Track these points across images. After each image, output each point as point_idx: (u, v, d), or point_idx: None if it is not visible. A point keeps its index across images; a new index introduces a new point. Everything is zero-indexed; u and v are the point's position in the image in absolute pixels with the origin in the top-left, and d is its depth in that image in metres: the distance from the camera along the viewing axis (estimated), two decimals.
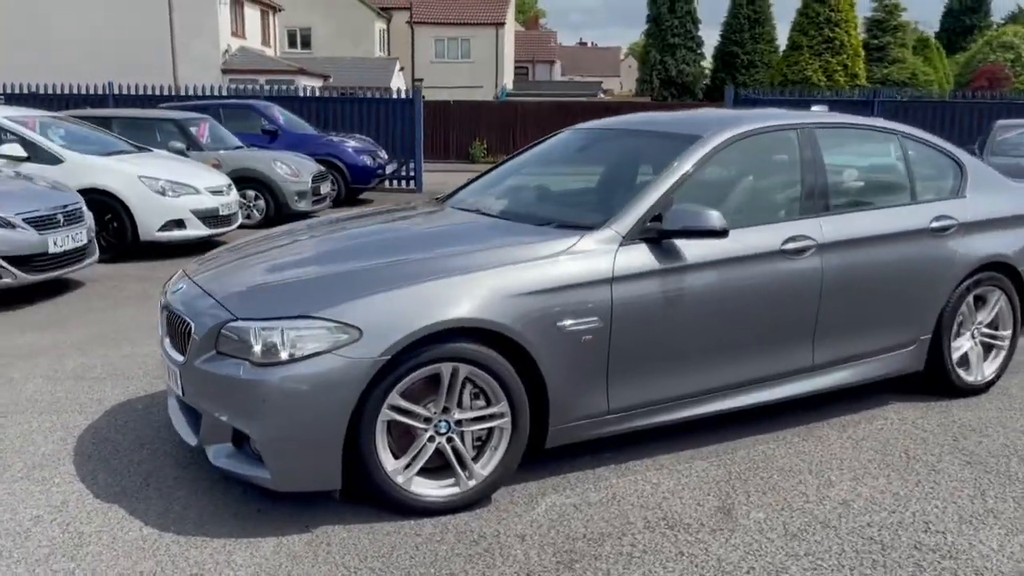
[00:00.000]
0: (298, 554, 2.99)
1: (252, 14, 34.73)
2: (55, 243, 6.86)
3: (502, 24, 44.07)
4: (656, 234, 3.62)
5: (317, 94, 19.99)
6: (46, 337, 5.80)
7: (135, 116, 11.83)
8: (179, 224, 8.97)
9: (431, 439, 3.26)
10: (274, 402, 3.01)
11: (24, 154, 8.69)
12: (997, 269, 4.64)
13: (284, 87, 27.48)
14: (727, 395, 3.92)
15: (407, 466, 3.24)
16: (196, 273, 3.76)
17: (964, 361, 4.69)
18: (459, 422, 3.29)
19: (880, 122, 4.69)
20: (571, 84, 51.68)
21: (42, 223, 6.81)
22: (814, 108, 5.14)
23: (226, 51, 31.60)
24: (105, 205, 8.69)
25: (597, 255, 3.51)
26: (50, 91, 17.76)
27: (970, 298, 4.59)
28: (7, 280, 6.52)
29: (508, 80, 46.49)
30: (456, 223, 4.14)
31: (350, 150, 14.01)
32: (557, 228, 3.71)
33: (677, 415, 3.81)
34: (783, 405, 4.28)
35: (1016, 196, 4.88)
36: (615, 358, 3.54)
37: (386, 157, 15.27)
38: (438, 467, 3.32)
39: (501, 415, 3.32)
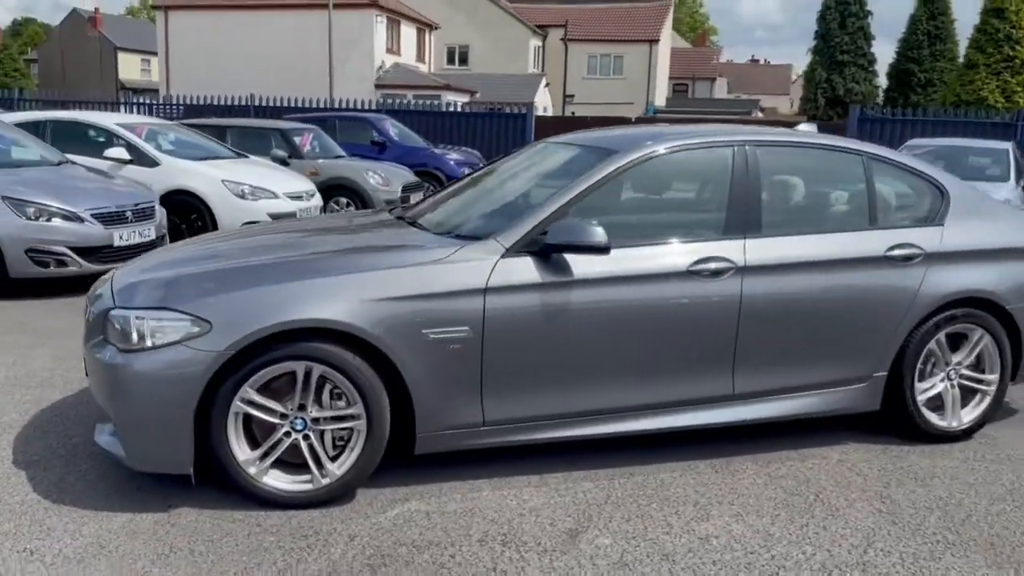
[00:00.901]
0: (140, 530, 3.19)
1: (408, 32, 36.24)
2: (120, 237, 7.51)
3: (656, 41, 43.70)
4: (541, 248, 3.59)
5: (459, 108, 20.68)
6: None
7: (247, 125, 12.71)
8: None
9: (287, 434, 3.38)
10: (129, 387, 3.23)
11: (128, 157, 9.55)
12: (978, 305, 4.23)
13: (431, 102, 28.55)
14: (626, 417, 3.81)
15: (262, 458, 3.37)
16: (125, 264, 4.06)
17: (938, 404, 4.30)
18: (316, 420, 3.39)
19: (846, 142, 4.38)
20: (726, 102, 50.44)
21: (110, 219, 7.48)
22: (801, 127, 4.90)
23: (380, 67, 33.15)
24: (190, 205, 9.40)
25: (472, 265, 3.52)
26: (213, 102, 19.46)
27: (941, 335, 4.20)
28: (73, 268, 7.20)
29: (661, 96, 46.02)
30: (375, 230, 4.24)
31: (451, 162, 14.40)
32: (453, 238, 3.75)
33: (563, 433, 3.74)
34: (733, 433, 4.11)
35: (1014, 226, 4.42)
36: (490, 370, 3.54)
37: None
38: (301, 463, 3.43)
39: (357, 417, 3.39)
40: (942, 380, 4.29)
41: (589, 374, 3.69)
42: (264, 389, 3.34)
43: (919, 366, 4.20)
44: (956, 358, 4.28)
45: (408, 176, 12.69)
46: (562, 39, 44.01)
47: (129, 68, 63.17)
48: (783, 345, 3.95)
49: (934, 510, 3.56)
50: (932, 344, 4.20)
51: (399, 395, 3.46)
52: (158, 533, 3.17)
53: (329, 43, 29.09)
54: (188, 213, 9.40)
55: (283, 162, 11.56)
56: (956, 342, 4.30)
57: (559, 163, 4.27)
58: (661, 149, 3.95)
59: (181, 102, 20.27)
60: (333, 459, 3.43)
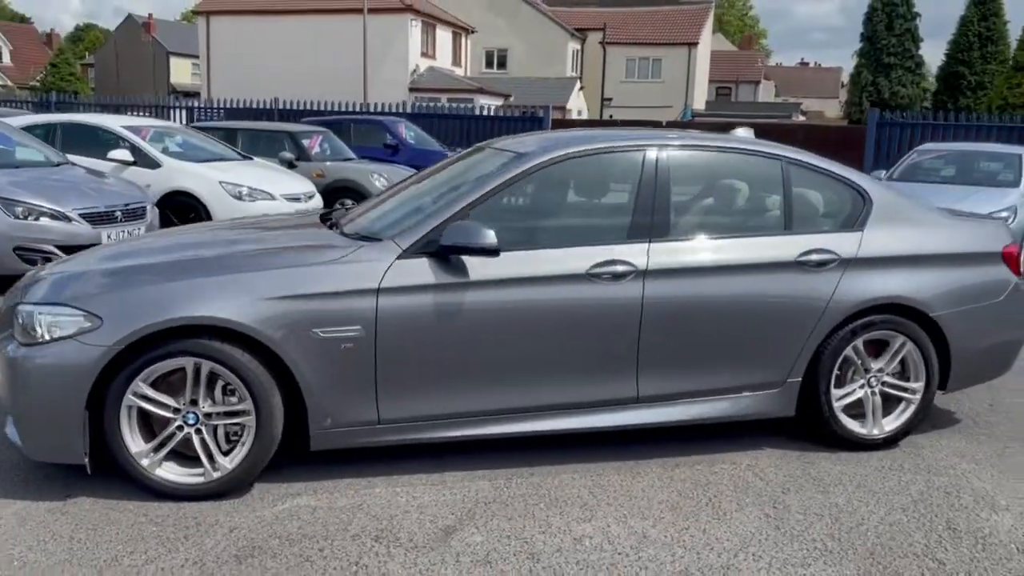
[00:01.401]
0: (30, 517, 3.32)
1: (444, 36, 36.52)
2: (109, 236, 7.74)
3: (695, 44, 43.36)
4: (437, 249, 3.65)
5: (491, 112, 20.84)
6: None
7: (257, 128, 12.98)
8: None
9: (179, 428, 3.49)
10: (25, 379, 3.37)
11: (131, 159, 9.84)
12: (899, 312, 4.17)
13: (464, 105, 28.76)
14: (527, 418, 3.84)
15: (156, 450, 3.48)
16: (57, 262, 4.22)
17: (859, 412, 4.26)
18: (208, 415, 3.50)
19: (765, 147, 4.35)
20: (768, 105, 49.81)
21: (99, 218, 7.71)
22: (737, 131, 4.88)
23: (414, 71, 33.47)
24: (189, 205, 9.64)
25: (366, 265, 3.59)
26: (247, 105, 20.05)
27: (858, 342, 4.16)
28: None
29: (701, 100, 45.64)
30: (294, 232, 4.34)
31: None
32: (358, 240, 3.83)
33: (461, 432, 3.79)
34: (650, 435, 4.13)
35: (942, 233, 4.35)
36: (384, 369, 3.61)
37: None
38: (196, 456, 3.53)
39: (247, 413, 3.49)
40: (862, 387, 4.23)
41: (487, 375, 3.74)
42: (159, 384, 3.45)
43: (835, 372, 4.16)
44: (877, 365, 4.23)
45: None
46: (601, 42, 43.91)
47: (180, 72, 64.70)
48: (688, 349, 3.95)
49: (824, 517, 3.53)
50: (849, 351, 4.15)
51: (295, 392, 3.54)
52: (47, 520, 3.30)
53: (364, 47, 29.51)
54: (187, 213, 9.64)
55: (291, 164, 11.78)
56: (880, 349, 4.25)
57: (479, 166, 4.32)
58: (568, 153, 3.98)
59: (221, 105, 21.05)
60: (226, 453, 3.53)
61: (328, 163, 12.38)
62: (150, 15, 66.18)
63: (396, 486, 3.71)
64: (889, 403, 4.31)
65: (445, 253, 3.63)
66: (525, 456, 4.02)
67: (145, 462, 3.47)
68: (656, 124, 27.28)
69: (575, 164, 4.00)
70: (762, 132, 26.27)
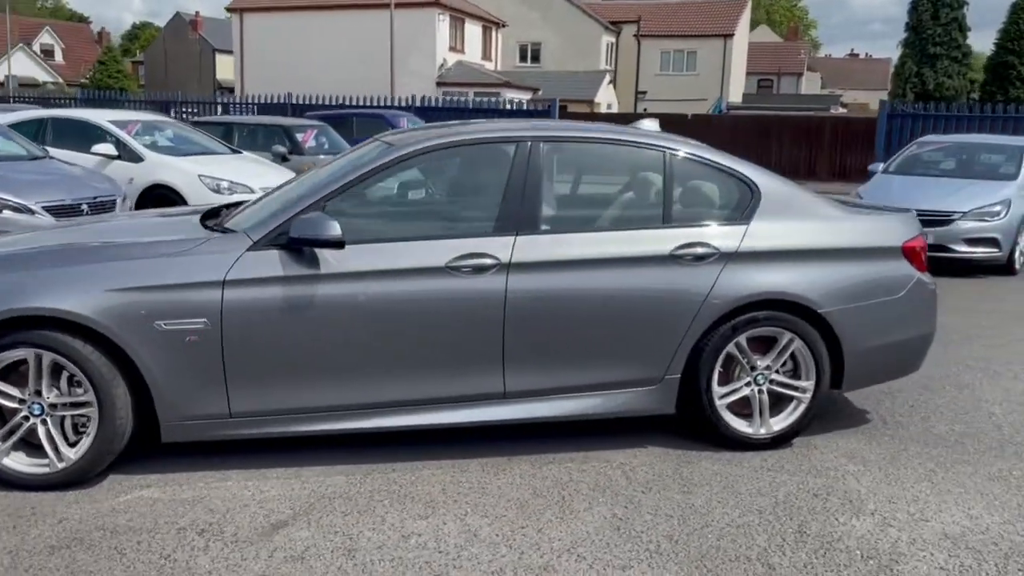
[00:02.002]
0: None
1: (473, 30, 36.52)
2: None
3: (731, 35, 42.70)
4: (286, 242, 3.61)
5: (515, 106, 20.93)
6: None
7: (253, 123, 13.13)
8: None
9: (25, 418, 3.51)
10: None
11: (115, 153, 10.01)
12: (786, 308, 4.03)
13: (491, 99, 28.80)
14: (388, 413, 3.79)
15: (3, 439, 3.51)
16: None
17: (746, 411, 4.13)
18: (53, 406, 3.52)
19: (648, 138, 4.22)
20: (807, 97, 48.85)
21: (64, 211, 7.85)
22: (643, 123, 4.75)
23: (442, 65, 33.52)
24: (168, 198, 9.77)
25: (213, 257, 3.58)
26: (273, 101, 20.41)
27: (741, 338, 4.02)
28: None
29: (737, 92, 44.94)
30: (164, 225, 4.33)
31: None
32: (214, 232, 3.82)
33: (317, 427, 3.75)
34: (528, 431, 4.06)
35: (836, 227, 4.19)
36: (233, 362, 3.59)
37: None
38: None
39: (91, 404, 3.50)
40: (748, 385, 4.10)
41: (342, 369, 3.70)
42: (8, 373, 3.48)
43: (718, 369, 4.03)
44: (764, 363, 4.09)
45: None
46: (635, 35, 43.51)
47: (225, 68, 65.63)
48: (557, 344, 3.86)
49: (673, 518, 3.43)
50: (731, 348, 4.02)
51: (144, 384, 3.54)
52: None
53: (391, 42, 29.63)
54: (167, 206, 9.77)
55: (283, 158, 11.88)
56: (770, 346, 4.11)
57: (354, 159, 4.26)
58: (432, 145, 3.91)
59: (252, 101, 21.71)
60: (73, 444, 3.54)
61: (321, 156, 12.43)
62: (197, 13, 67.32)
63: (249, 479, 3.69)
64: (782, 402, 4.17)
65: (292, 245, 3.59)
66: (395, 451, 3.97)
67: None
68: (680, 118, 26.99)
69: (441, 156, 3.94)
70: (786, 123, 25.79)
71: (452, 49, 34.55)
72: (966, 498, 3.68)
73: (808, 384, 4.12)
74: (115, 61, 61.05)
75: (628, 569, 3.04)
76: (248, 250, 3.61)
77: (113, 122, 10.39)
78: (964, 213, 9.29)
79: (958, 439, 4.37)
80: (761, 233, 4.05)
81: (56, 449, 3.52)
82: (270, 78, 31.71)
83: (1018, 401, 5.00)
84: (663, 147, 4.15)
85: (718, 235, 4.00)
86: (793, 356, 4.11)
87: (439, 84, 32.51)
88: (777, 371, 4.11)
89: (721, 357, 4.02)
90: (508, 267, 3.77)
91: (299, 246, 3.59)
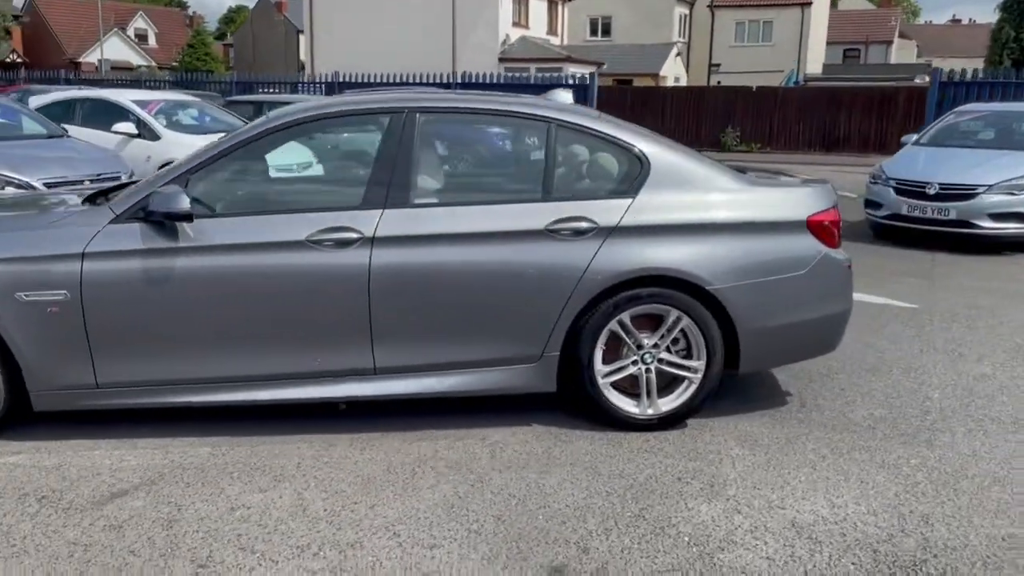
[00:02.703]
0: None
1: (538, 5, 36.14)
2: None
3: (808, 4, 41.08)
4: (144, 215, 3.65)
5: (577, 81, 20.70)
6: None
7: (284, 100, 13.32)
8: None
9: None
10: None
11: (135, 131, 10.34)
12: (671, 285, 3.86)
13: (553, 74, 28.58)
14: (256, 386, 3.80)
15: None
16: None
17: (636, 390, 3.99)
18: None
19: (534, 108, 4.05)
20: (897, 67, 46.64)
21: (65, 188, 8.15)
22: (556, 93, 4.61)
23: (504, 41, 33.34)
24: None
25: (74, 230, 3.64)
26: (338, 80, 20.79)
27: (624, 316, 3.87)
28: None
29: (817, 63, 43.30)
30: (54, 200, 4.41)
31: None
32: (89, 206, 3.89)
33: (185, 399, 3.79)
34: (424, 406, 4.04)
35: (731, 199, 3.97)
36: (96, 333, 3.65)
37: None
38: None
39: None
40: (634, 364, 3.95)
41: (205, 341, 3.72)
42: None
43: (601, 347, 3.90)
44: (651, 341, 3.93)
45: None
46: (709, 6, 42.35)
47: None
48: (428, 320, 3.79)
49: (513, 499, 3.34)
50: (614, 325, 3.88)
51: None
52: None
53: (452, 18, 29.66)
54: None
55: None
56: (648, 324, 3.95)
57: (235, 132, 4.27)
58: (308, 117, 3.88)
59: (321, 80, 22.23)
60: None
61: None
62: None
63: (118, 449, 3.77)
64: (675, 382, 4.01)
65: (149, 219, 3.63)
66: (274, 425, 3.99)
67: None
68: (745, 90, 26.17)
69: (313, 128, 3.90)
70: (858, 94, 24.69)
71: (516, 24, 34.29)
72: (841, 486, 3.47)
73: (699, 364, 3.95)
74: (203, 44, 62.88)
75: (436, 548, 2.98)
76: (110, 223, 3.67)
77: (135, 101, 10.72)
78: (990, 186, 8.73)
79: (872, 424, 4.13)
80: (647, 206, 3.88)
81: None
82: (338, 56, 32.11)
83: (965, 387, 4.69)
84: (548, 118, 4.00)
85: (599, 209, 3.85)
86: (685, 335, 3.94)
87: (501, 60, 32.35)
88: (668, 350, 3.95)
89: (604, 335, 3.89)
90: (372, 241, 3.71)
91: (155, 219, 3.62)
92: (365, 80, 21.58)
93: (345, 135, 4.06)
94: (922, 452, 3.82)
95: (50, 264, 3.59)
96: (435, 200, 3.88)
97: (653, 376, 3.96)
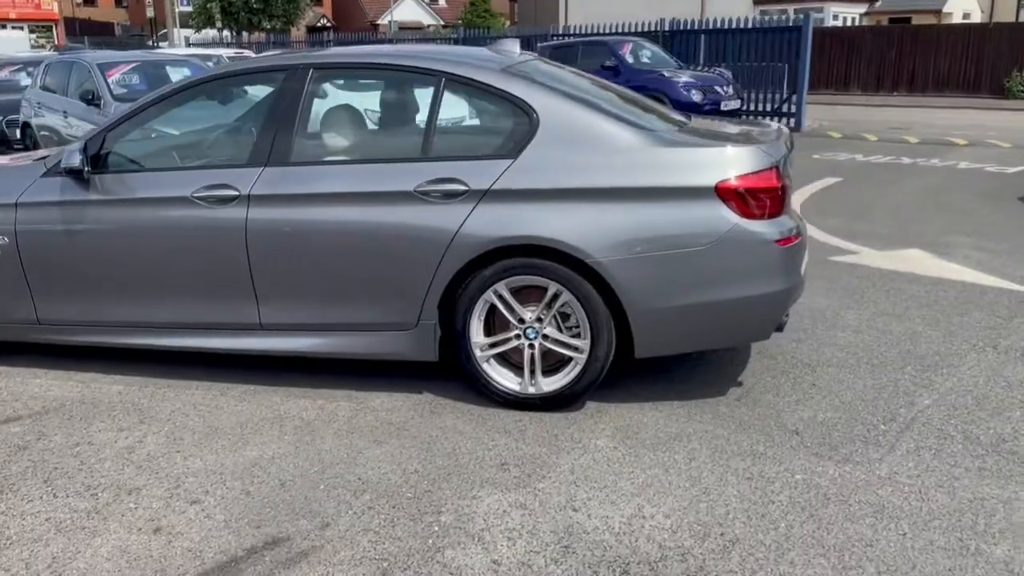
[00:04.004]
0: None
1: None
2: None
3: None
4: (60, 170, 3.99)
5: (841, 21, 18.99)
6: None
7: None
8: None
9: None
10: None
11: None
12: (549, 256, 3.52)
13: (815, 15, 26.43)
14: (160, 333, 4.04)
15: None
16: None
17: (518, 366, 3.73)
18: None
19: (427, 62, 3.77)
20: None
21: None
22: (503, 43, 4.34)
23: None
24: None
25: (13, 182, 4.08)
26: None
27: (500, 286, 3.59)
28: None
29: None
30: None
31: (679, 85, 13.68)
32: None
33: (101, 339, 4.13)
34: (318, 365, 4.14)
35: (624, 161, 3.45)
36: (32, 276, 4.09)
37: (728, 92, 14.36)
38: None
39: None
40: (518, 338, 3.68)
41: (114, 288, 4.01)
42: None
43: (478, 318, 3.67)
44: (532, 315, 3.63)
45: None
46: None
47: None
48: (303, 280, 3.78)
49: (315, 464, 3.28)
50: (490, 296, 3.62)
51: None
52: None
53: None
54: None
55: None
56: (533, 297, 3.64)
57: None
58: (212, 76, 3.98)
59: (567, 33, 22.22)
60: None
61: None
62: None
63: (38, 378, 4.19)
64: (566, 362, 3.69)
65: (65, 174, 3.96)
66: (189, 370, 4.22)
67: None
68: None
69: (209, 89, 4.00)
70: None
71: None
72: (672, 495, 3.02)
73: (583, 344, 3.59)
74: (483, 1, 65.40)
75: (195, 504, 3.03)
76: (41, 176, 4.05)
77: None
78: None
79: (800, 430, 3.52)
80: (528, 168, 3.54)
81: None
82: (592, 10, 31.90)
83: (978, 397, 3.84)
84: (440, 71, 3.76)
85: (474, 171, 3.58)
86: (568, 311, 3.60)
87: (756, 2, 30.37)
88: (559, 328, 3.64)
89: (480, 305, 3.65)
90: (248, 199, 3.77)
91: (57, 175, 3.95)
92: (609, 30, 20.60)
93: (245, 93, 4.13)
94: (825, 468, 3.20)
95: None
96: (315, 158, 3.83)
97: (537, 353, 3.66)
